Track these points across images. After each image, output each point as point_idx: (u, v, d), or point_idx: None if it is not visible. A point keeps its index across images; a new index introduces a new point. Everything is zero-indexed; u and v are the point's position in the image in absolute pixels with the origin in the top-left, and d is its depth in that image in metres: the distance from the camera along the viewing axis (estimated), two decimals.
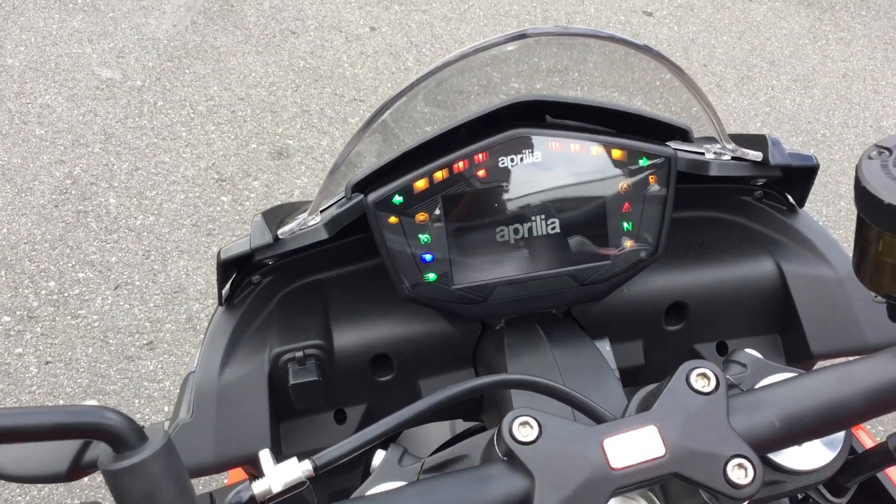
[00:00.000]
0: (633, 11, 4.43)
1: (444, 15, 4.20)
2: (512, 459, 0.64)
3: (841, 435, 0.76)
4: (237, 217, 3.09)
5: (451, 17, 4.20)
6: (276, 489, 0.65)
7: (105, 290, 2.81)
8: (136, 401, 2.54)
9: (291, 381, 0.95)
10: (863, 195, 0.65)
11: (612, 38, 0.91)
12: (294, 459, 0.67)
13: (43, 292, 2.78)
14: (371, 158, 0.97)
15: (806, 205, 1.07)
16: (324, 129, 3.46)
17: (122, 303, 2.78)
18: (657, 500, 0.74)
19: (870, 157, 0.66)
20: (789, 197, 1.06)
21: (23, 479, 0.90)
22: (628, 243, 0.93)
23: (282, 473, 0.66)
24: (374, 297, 1.01)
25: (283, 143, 3.39)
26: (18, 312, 2.71)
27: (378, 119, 0.91)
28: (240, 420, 0.93)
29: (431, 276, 0.91)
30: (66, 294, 2.78)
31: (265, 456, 0.67)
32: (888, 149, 0.65)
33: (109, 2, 3.96)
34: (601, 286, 0.95)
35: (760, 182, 1.03)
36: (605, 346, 0.99)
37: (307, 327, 0.98)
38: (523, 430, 0.64)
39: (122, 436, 0.54)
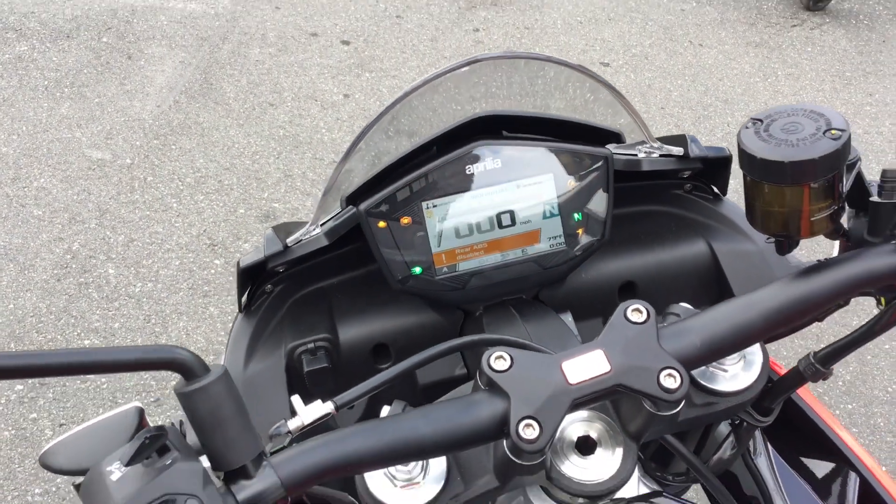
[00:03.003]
0: (591, 63, 4.68)
1: (412, 78, 4.43)
2: (492, 387, 0.80)
3: (759, 362, 0.93)
4: (231, 278, 3.25)
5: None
6: (307, 422, 0.82)
7: None
8: None
9: (306, 369, 1.11)
10: (742, 156, 0.84)
11: (549, 59, 1.11)
12: (319, 401, 0.83)
13: None
14: (358, 178, 1.15)
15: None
16: (307, 191, 3.65)
17: None
18: (613, 422, 0.90)
19: (746, 128, 0.85)
20: (714, 188, 1.25)
21: (79, 472, 1.05)
22: (580, 231, 1.11)
23: (310, 411, 0.82)
24: (371, 296, 1.18)
25: (269, 207, 3.57)
26: (30, 381, 2.84)
27: (357, 145, 1.11)
28: (263, 407, 1.10)
29: (417, 270, 1.09)
30: None
31: (297, 399, 0.84)
32: (760, 120, 0.85)
33: (95, 88, 4.17)
34: (561, 269, 1.13)
35: (686, 174, 1.22)
36: (567, 318, 1.17)
37: (315, 325, 1.15)
38: (498, 362, 0.80)
39: (191, 367, 0.70)
